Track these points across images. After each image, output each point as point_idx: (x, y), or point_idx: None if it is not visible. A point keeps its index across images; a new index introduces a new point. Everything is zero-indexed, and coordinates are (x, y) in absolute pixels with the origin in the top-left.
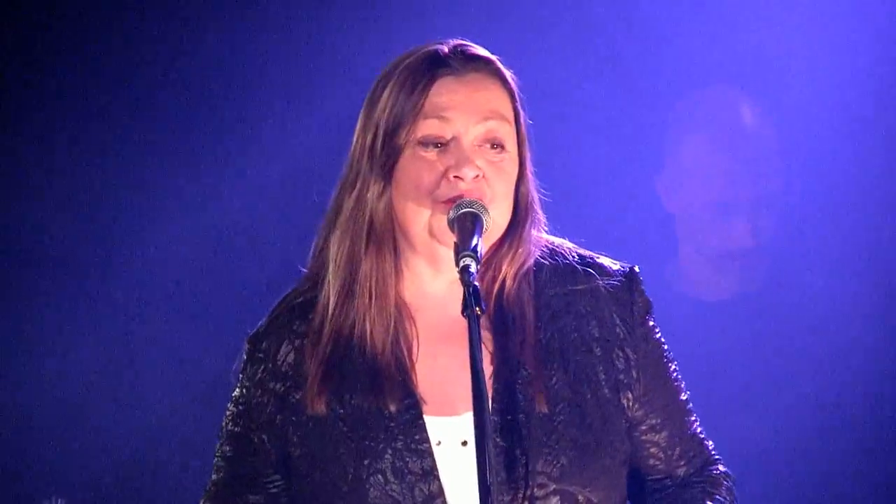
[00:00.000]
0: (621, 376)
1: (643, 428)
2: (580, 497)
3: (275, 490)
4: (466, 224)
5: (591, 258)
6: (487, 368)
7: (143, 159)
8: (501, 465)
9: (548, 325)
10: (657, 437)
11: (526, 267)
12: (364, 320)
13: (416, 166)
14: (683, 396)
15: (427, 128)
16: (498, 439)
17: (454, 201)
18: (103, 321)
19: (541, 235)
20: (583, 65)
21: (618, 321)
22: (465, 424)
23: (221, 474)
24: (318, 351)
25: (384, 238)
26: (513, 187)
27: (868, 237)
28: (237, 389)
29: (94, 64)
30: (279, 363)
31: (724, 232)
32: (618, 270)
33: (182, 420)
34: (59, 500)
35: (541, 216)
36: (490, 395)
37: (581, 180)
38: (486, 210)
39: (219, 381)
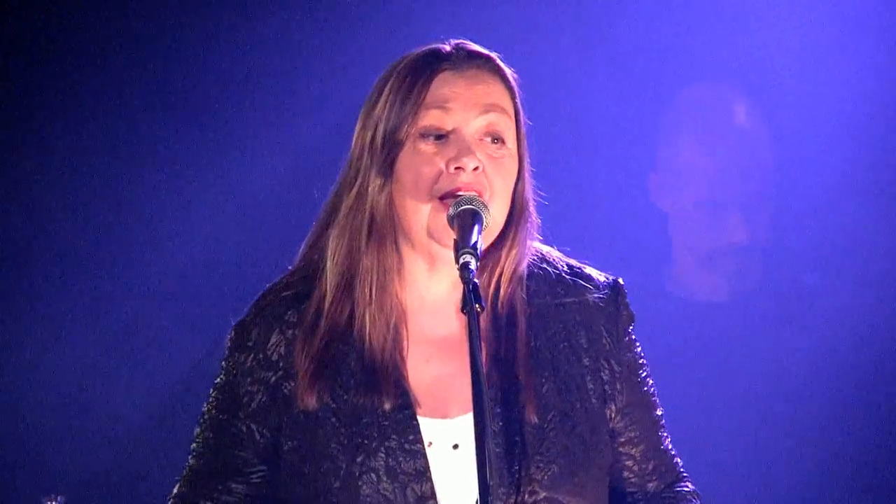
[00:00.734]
0: (606, 387)
1: (622, 440)
2: None
3: (257, 480)
4: (466, 221)
5: (579, 268)
6: None
7: (142, 159)
8: (494, 471)
9: (539, 333)
10: (634, 450)
11: (520, 271)
12: (364, 316)
13: (416, 159)
14: (659, 412)
15: (428, 118)
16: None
17: (454, 196)
18: (102, 320)
19: (532, 242)
20: (574, 65)
21: (604, 333)
22: (457, 428)
23: (202, 461)
24: (312, 344)
25: (385, 234)
26: (511, 185)
27: (861, 235)
28: (221, 377)
29: (93, 64)
30: (269, 353)
31: (718, 230)
32: (604, 282)
33: (181, 418)
34: (59, 498)
35: (535, 219)
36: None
37: (575, 180)
38: (486, 207)
39: None
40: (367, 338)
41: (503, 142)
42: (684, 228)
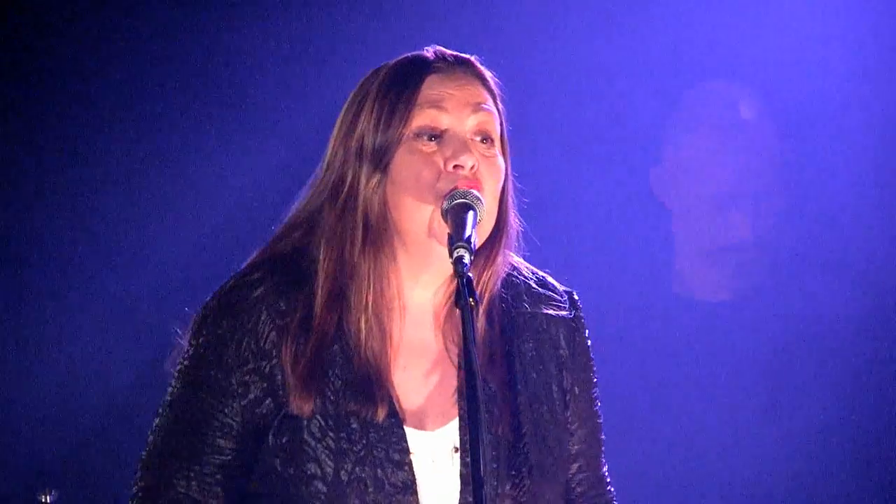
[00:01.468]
0: (567, 396)
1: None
2: None
3: (228, 458)
4: (461, 214)
5: (544, 278)
6: (452, 384)
7: (142, 159)
8: (468, 486)
9: (512, 342)
10: (572, 465)
11: (500, 278)
12: (359, 321)
13: (414, 160)
14: (602, 436)
15: (423, 118)
16: (467, 458)
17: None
18: (101, 318)
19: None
20: (580, 62)
21: (563, 342)
22: (435, 441)
23: (173, 441)
24: (305, 346)
25: (381, 236)
26: (500, 187)
27: (865, 234)
28: (199, 353)
29: (91, 64)
30: (262, 342)
31: (722, 228)
32: (564, 292)
33: None
34: (54, 492)
35: (516, 225)
36: (457, 412)
37: (579, 177)
38: (480, 201)
39: None
40: (361, 344)
41: (492, 141)
42: (688, 227)
